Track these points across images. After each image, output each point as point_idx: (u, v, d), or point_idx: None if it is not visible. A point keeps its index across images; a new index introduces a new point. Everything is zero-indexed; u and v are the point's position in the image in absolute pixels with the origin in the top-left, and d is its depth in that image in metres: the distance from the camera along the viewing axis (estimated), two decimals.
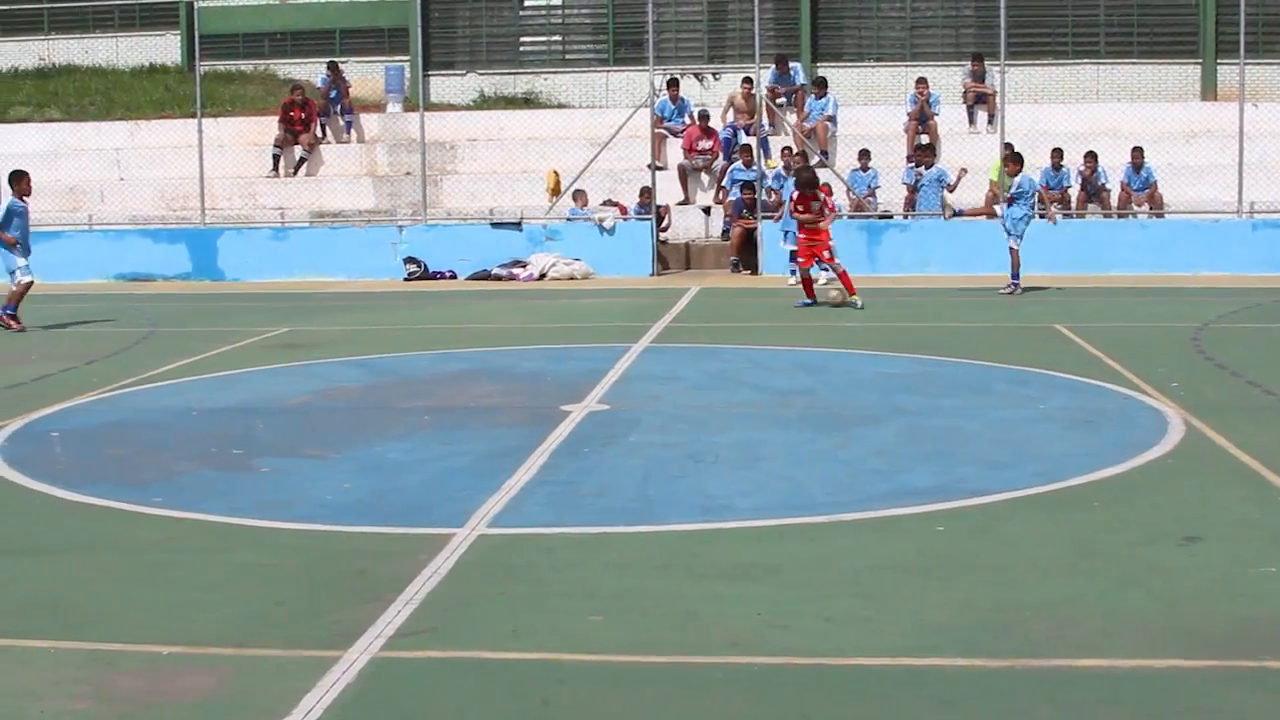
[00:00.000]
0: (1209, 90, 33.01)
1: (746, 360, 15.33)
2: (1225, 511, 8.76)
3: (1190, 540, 8.08)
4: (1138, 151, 27.19)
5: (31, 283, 19.23)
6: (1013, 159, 22.39)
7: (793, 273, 23.11)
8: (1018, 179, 21.87)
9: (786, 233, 23.70)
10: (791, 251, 22.85)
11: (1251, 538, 8.16)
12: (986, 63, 30.15)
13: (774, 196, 27.45)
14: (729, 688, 5.89)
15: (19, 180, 19.54)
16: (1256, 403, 12.41)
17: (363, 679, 5.96)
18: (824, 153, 29.04)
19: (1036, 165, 26.49)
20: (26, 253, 19.27)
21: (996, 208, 22.79)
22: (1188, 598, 7.04)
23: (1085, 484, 9.43)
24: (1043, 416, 11.87)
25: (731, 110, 30.30)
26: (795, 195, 20.98)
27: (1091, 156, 27.02)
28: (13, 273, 19.27)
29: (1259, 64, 30.19)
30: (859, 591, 7.14)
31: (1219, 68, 32.92)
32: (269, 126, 31.61)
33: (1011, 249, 21.78)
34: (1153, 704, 5.71)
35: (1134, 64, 33.36)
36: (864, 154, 27.87)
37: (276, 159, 31.15)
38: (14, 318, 19.00)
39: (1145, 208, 27.26)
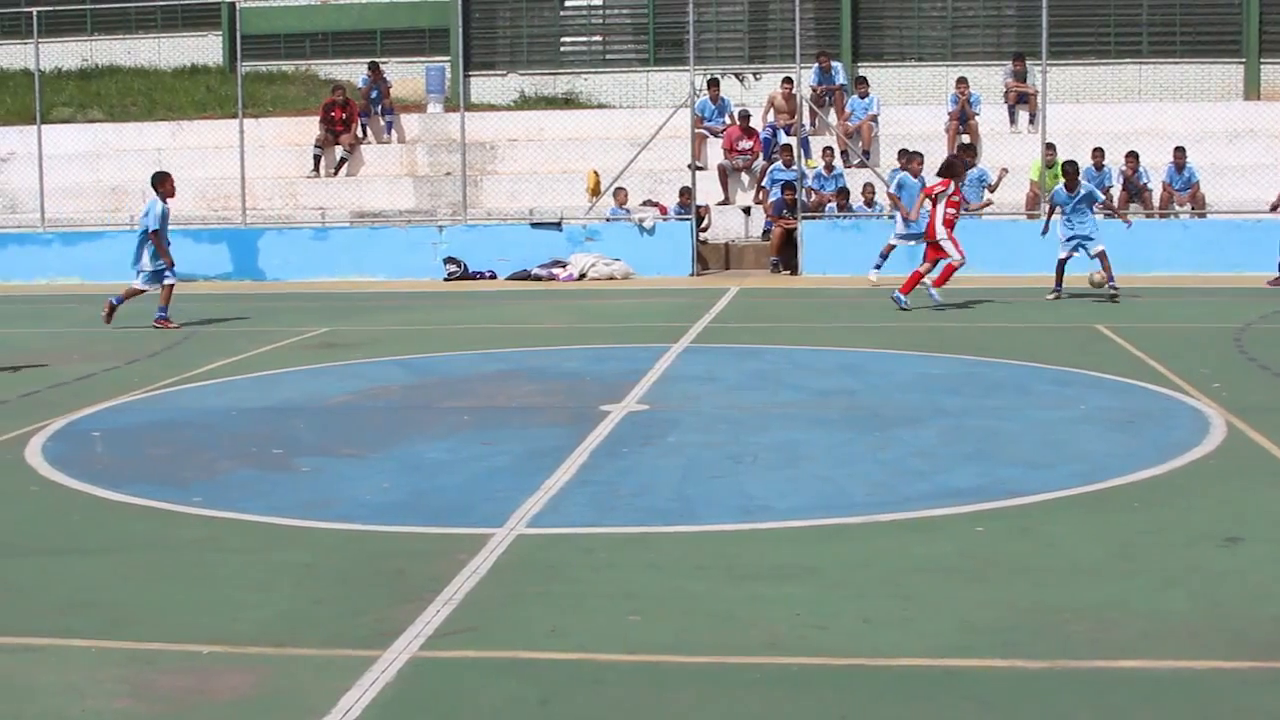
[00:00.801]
0: (1252, 90, 32.82)
1: (786, 360, 15.31)
2: (1267, 512, 8.71)
3: (1232, 541, 8.04)
4: (1180, 151, 27.07)
5: (171, 285, 19.38)
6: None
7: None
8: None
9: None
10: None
11: None
12: (1028, 62, 30.06)
13: (814, 196, 27.41)
14: (767, 688, 5.88)
15: (163, 181, 19.64)
16: None
17: (402, 678, 5.98)
18: (866, 153, 29.01)
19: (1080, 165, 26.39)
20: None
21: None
22: (1230, 599, 7.00)
23: (1126, 485, 9.39)
24: (1084, 417, 11.82)
25: (772, 110, 30.27)
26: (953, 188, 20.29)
27: (1133, 156, 26.92)
28: (158, 273, 19.35)
29: None
30: (898, 592, 7.13)
31: (1263, 67, 32.74)
32: (310, 127, 31.72)
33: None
34: (1194, 706, 5.68)
35: (1176, 63, 33.19)
36: (904, 154, 27.78)
37: (317, 159, 31.24)
38: (166, 320, 19.11)
39: (1187, 208, 27.13)
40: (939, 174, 20.38)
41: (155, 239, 19.17)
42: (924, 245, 20.45)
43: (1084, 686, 5.88)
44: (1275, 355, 14.99)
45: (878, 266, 23.56)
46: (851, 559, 7.75)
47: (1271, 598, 7.01)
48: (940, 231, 19.80)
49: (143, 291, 19.47)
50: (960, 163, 20.93)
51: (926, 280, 20.00)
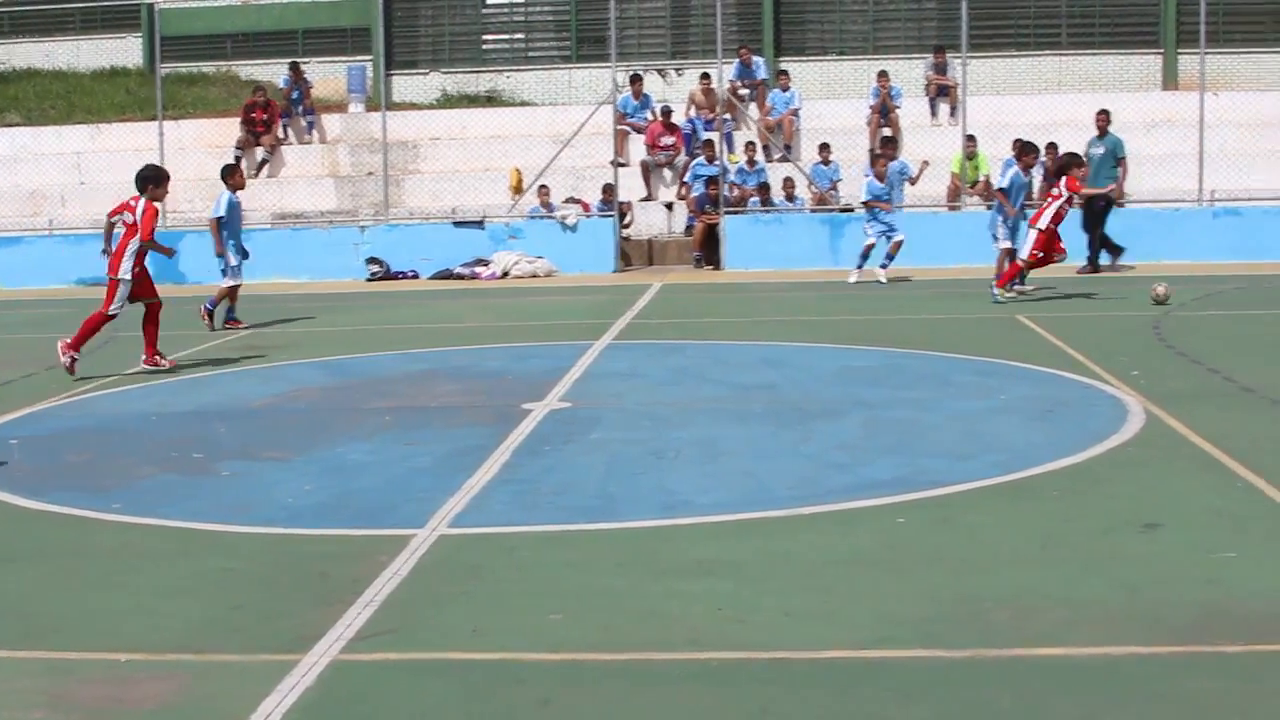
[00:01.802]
0: (1170, 80, 33.15)
1: (709, 356, 15.33)
2: (1185, 498, 8.79)
3: (1150, 527, 8.10)
4: (1121, 143, 27.24)
5: (236, 286, 19.25)
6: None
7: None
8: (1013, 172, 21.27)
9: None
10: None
11: (1211, 524, 8.19)
12: (948, 55, 30.22)
13: (736, 191, 27.47)
14: (688, 684, 5.88)
15: (232, 173, 19.42)
16: (1217, 390, 12.45)
17: (322, 682, 5.94)
18: (787, 147, 29.09)
19: (998, 156, 26.56)
20: (240, 252, 19.28)
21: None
22: (1148, 585, 7.05)
23: (1046, 473, 9.45)
24: (1004, 407, 11.89)
25: (693, 106, 30.31)
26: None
27: (1053, 147, 27.07)
28: (224, 271, 19.24)
29: (1219, 53, 30.33)
30: (820, 585, 7.14)
31: (1180, 57, 33.06)
32: (231, 128, 31.52)
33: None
34: (1113, 691, 5.72)
35: (1095, 54, 33.48)
36: (825, 148, 27.90)
37: (238, 160, 31.02)
38: (211, 315, 19.04)
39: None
40: (1056, 175, 20.33)
41: (215, 229, 18.93)
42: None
43: (1004, 674, 5.91)
44: (1194, 343, 15.13)
45: (859, 266, 23.39)
46: (773, 553, 7.75)
47: (1188, 583, 7.07)
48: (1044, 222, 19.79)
49: (233, 288, 19.31)
50: (1074, 159, 20.47)
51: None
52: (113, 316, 15.25)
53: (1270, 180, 27.49)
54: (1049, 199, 19.98)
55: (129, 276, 15.06)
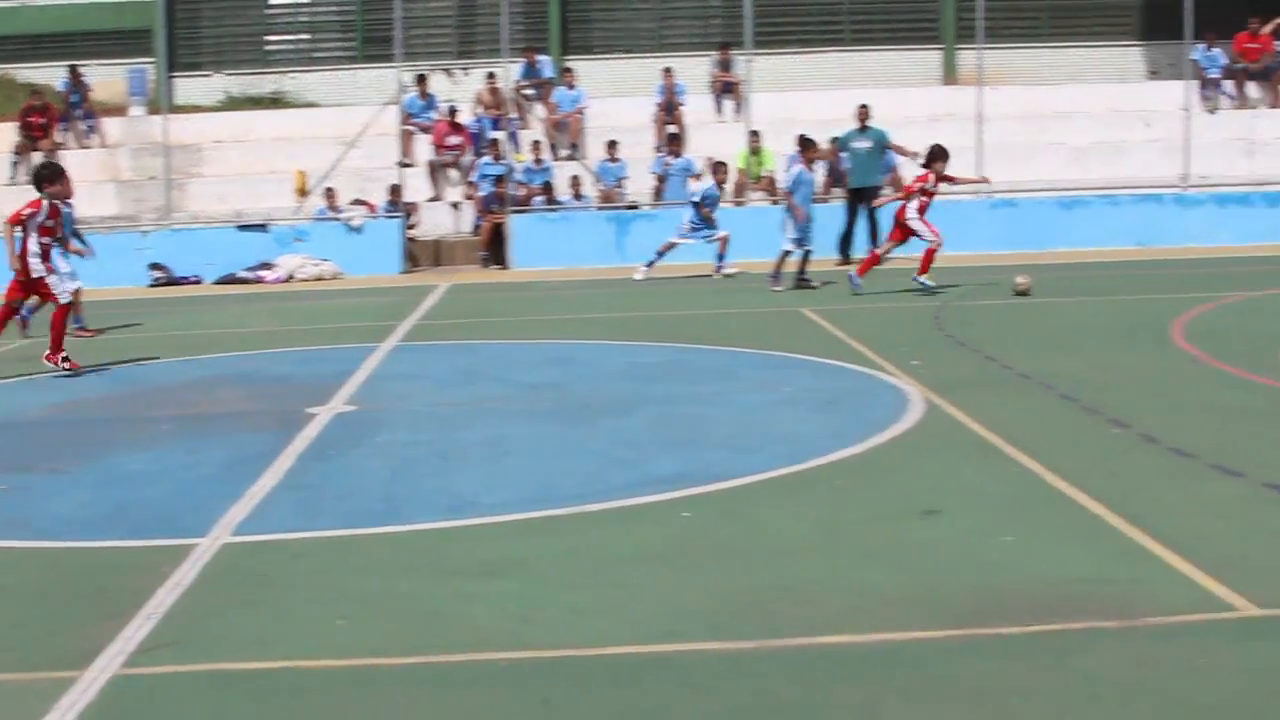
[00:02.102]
0: (950, 74, 33.80)
1: (496, 355, 15.31)
2: (964, 484, 8.97)
3: (930, 514, 8.25)
4: (885, 135, 27.64)
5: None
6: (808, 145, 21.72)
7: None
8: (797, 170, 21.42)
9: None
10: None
11: (989, 509, 8.37)
12: (733, 52, 30.48)
13: (523, 190, 27.45)
14: (475, 685, 5.86)
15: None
16: (994, 377, 12.71)
17: (103, 698, 5.82)
18: (574, 145, 29.13)
19: (782, 152, 26.89)
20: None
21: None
22: (928, 570, 7.18)
23: (829, 463, 9.58)
24: (788, 399, 12.02)
25: (480, 105, 30.23)
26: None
27: (836, 143, 27.43)
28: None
29: (997, 49, 30.97)
30: (606, 581, 7.17)
31: (958, 52, 33.72)
32: (7, 133, 30.74)
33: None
34: (896, 676, 5.81)
35: (877, 50, 34.02)
36: (612, 145, 28.00)
37: (15, 166, 30.29)
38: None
39: (889, 191, 27.72)
40: (924, 165, 20.31)
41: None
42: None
43: (790, 664, 5.97)
44: (972, 332, 15.44)
45: (649, 264, 23.38)
46: (559, 551, 7.76)
47: (969, 567, 7.22)
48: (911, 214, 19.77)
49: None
50: (942, 151, 20.43)
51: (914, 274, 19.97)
52: (68, 305, 15.22)
53: (1045, 172, 28.15)
54: (910, 191, 20.09)
55: (41, 267, 14.81)
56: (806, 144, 21.03)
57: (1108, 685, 5.67)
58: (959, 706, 5.52)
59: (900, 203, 20.02)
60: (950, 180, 20.22)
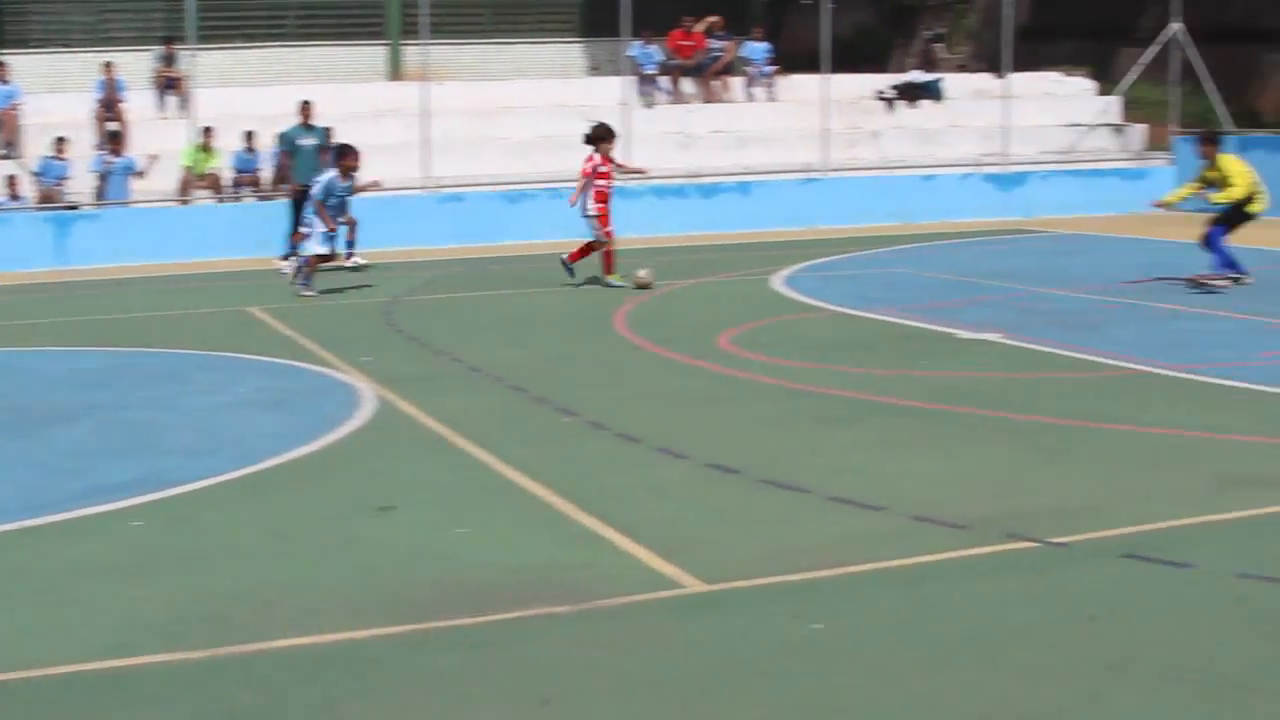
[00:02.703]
0: (395, 70, 33.96)
1: None
2: (417, 479, 9.07)
3: (385, 510, 8.31)
4: (329, 131, 27.53)
5: None
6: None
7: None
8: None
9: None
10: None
11: (443, 502, 8.51)
12: (176, 47, 29.81)
13: None
14: None
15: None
16: (445, 371, 12.85)
17: None
18: (9, 143, 27.91)
19: (229, 148, 26.49)
20: None
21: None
22: (386, 567, 7.25)
23: (283, 464, 9.52)
24: (239, 401, 11.85)
25: None
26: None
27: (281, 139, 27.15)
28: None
29: (441, 44, 31.25)
30: (55, 598, 6.94)
31: (403, 49, 33.92)
32: None
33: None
34: (356, 675, 5.85)
35: (322, 46, 33.87)
36: (60, 142, 26.91)
37: None
38: None
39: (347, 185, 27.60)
40: (588, 143, 19.34)
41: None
42: None
43: (246, 670, 5.93)
44: (421, 326, 15.53)
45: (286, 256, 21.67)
46: (2, 569, 7.46)
47: (423, 561, 7.31)
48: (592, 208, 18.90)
49: None
50: (607, 130, 19.56)
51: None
52: None
53: (491, 166, 28.58)
54: (586, 175, 19.33)
55: None
56: (344, 152, 20.10)
57: (563, 667, 5.85)
58: (418, 699, 5.59)
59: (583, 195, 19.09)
60: (621, 168, 19.92)
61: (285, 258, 23.21)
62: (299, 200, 23.80)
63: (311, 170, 23.96)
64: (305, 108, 24.50)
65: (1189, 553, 6.99)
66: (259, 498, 8.74)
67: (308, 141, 24.43)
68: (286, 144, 24.32)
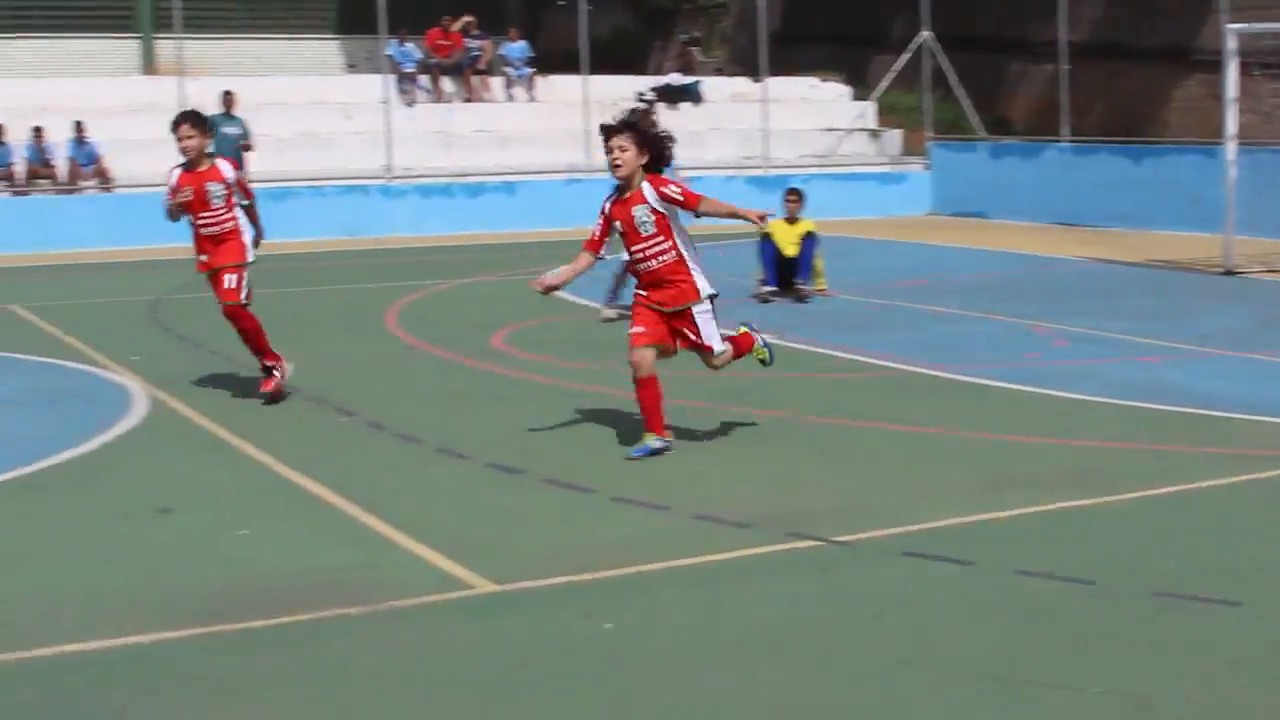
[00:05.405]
0: (150, 64, 33.36)
1: None
2: (195, 480, 8.96)
3: (165, 512, 8.20)
4: (80, 125, 26.98)
5: None
6: None
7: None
8: None
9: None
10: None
11: (223, 504, 8.42)
12: None
13: None
14: None
15: None
16: (217, 370, 12.66)
17: None
18: None
19: None
20: None
21: None
22: (168, 570, 7.15)
23: (54, 465, 9.34)
24: (6, 400, 11.59)
25: None
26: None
27: (39, 131, 26.55)
28: None
29: (195, 39, 30.77)
30: None
31: (157, 42, 33.34)
32: None
33: None
34: (144, 680, 5.76)
35: (71, 38, 33.16)
36: None
37: None
38: None
39: (94, 182, 27.11)
40: None
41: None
42: None
43: (31, 676, 5.82)
44: (190, 324, 15.27)
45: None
46: None
47: (208, 563, 7.22)
48: None
49: None
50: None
51: None
52: None
53: (252, 164, 28.17)
54: None
55: None
56: None
57: (356, 670, 5.84)
58: (213, 703, 5.53)
59: None
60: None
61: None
62: None
63: (233, 158, 23.63)
64: (228, 97, 24.25)
65: (969, 550, 7.18)
66: (33, 500, 8.56)
67: (230, 130, 24.18)
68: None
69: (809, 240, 16.86)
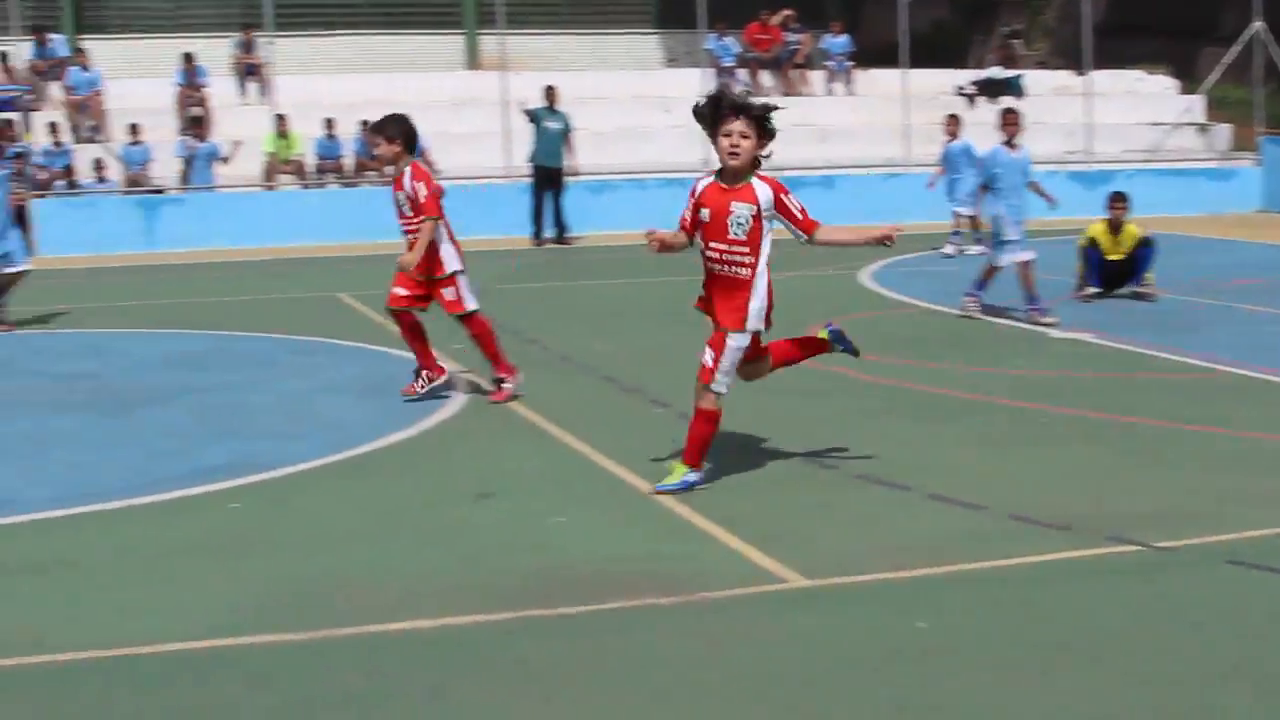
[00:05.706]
0: (473, 60, 34.06)
1: (25, 346, 14.65)
2: (514, 467, 9.07)
3: (483, 497, 8.33)
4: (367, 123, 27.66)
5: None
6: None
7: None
8: None
9: None
10: None
11: (540, 490, 8.50)
12: (255, 34, 29.98)
13: (45, 174, 26.40)
14: (34, 687, 5.65)
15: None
16: (536, 360, 12.80)
17: None
18: (95, 127, 28.16)
19: (311, 134, 26.66)
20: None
21: None
22: (485, 554, 7.26)
23: (378, 449, 9.57)
24: (332, 386, 11.92)
25: None
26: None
27: (367, 125, 27.29)
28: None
29: (518, 34, 31.34)
30: (158, 577, 7.00)
31: (480, 38, 34.00)
32: None
33: None
34: (458, 660, 5.85)
35: (400, 35, 34.02)
36: (135, 128, 27.17)
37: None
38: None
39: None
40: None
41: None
42: None
43: (352, 652, 5.95)
44: (513, 314, 15.41)
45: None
46: (109, 547, 7.54)
47: (525, 549, 7.31)
48: None
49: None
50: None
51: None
52: None
53: (630, 157, 28.57)
54: None
55: None
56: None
57: (670, 659, 5.84)
58: (528, 687, 5.59)
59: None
60: None
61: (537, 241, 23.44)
62: (540, 182, 24.08)
63: (554, 152, 24.29)
64: (550, 92, 24.82)
65: None
66: (355, 482, 8.78)
67: (553, 125, 24.76)
68: (534, 120, 24.67)
69: (1146, 249, 16.41)
